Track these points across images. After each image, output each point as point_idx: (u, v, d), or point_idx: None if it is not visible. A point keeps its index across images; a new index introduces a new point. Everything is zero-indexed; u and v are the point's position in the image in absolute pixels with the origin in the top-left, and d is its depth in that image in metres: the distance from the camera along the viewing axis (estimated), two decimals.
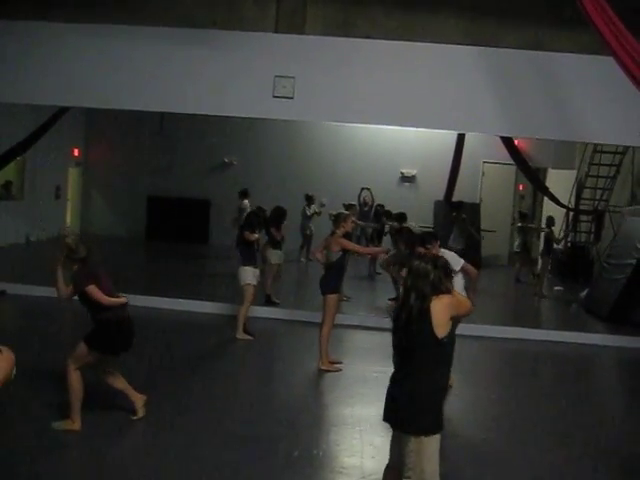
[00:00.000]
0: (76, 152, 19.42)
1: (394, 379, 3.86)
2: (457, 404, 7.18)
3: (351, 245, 8.36)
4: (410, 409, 3.76)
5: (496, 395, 7.55)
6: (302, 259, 15.98)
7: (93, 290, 5.54)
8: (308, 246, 15.81)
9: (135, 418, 5.83)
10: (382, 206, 15.31)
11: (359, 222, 13.83)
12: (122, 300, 5.74)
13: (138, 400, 5.90)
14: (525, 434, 6.30)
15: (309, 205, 16.24)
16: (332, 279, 7.84)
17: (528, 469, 5.47)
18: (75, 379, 5.58)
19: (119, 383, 5.90)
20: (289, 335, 9.74)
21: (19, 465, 4.85)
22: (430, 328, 3.69)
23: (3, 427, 5.50)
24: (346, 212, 8.78)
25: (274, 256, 10.80)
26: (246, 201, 14.83)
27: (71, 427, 5.54)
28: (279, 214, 10.94)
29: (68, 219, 19.43)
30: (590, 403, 7.59)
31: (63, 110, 12.40)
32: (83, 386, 5.61)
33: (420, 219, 17.56)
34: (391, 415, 3.81)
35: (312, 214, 16.09)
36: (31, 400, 6.12)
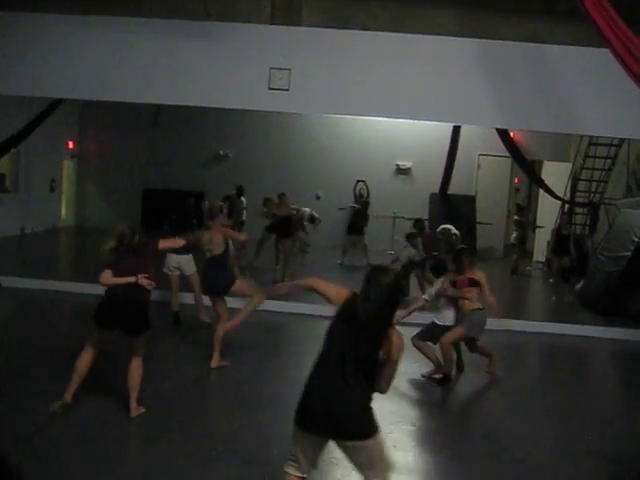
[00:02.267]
0: (71, 144, 19.36)
1: None
2: (451, 397, 7.22)
3: (234, 234, 8.43)
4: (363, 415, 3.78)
5: (491, 388, 7.57)
6: None
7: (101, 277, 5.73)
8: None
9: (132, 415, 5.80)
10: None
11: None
12: (120, 280, 5.68)
13: (134, 409, 5.81)
14: (517, 427, 6.32)
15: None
16: (225, 274, 7.60)
17: (520, 462, 5.49)
18: (82, 358, 5.72)
19: (132, 378, 5.82)
20: (281, 328, 9.74)
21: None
22: None
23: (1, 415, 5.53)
24: (221, 203, 8.52)
25: None
26: (242, 198, 14.88)
27: (63, 402, 5.69)
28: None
29: (63, 212, 19.39)
30: (585, 395, 7.61)
31: (57, 102, 12.35)
32: (86, 369, 5.74)
33: (415, 211, 17.60)
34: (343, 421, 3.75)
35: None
36: (27, 390, 6.17)
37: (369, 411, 3.72)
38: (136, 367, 5.82)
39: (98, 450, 5.09)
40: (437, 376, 7.42)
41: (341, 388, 3.62)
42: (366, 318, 3.61)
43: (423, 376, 7.44)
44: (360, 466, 3.77)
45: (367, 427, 3.69)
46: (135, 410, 5.80)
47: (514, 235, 15.74)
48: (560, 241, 13.61)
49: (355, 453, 3.72)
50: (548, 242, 16.60)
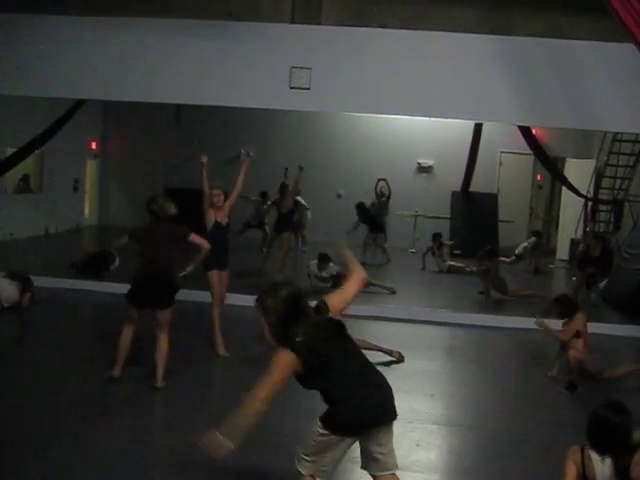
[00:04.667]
0: (94, 145, 19.52)
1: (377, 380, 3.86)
2: (475, 395, 7.18)
3: None
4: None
5: (517, 387, 7.54)
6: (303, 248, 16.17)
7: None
8: (302, 238, 16.28)
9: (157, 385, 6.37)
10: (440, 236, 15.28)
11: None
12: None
13: (160, 379, 6.38)
14: (543, 428, 6.27)
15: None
16: None
17: (544, 462, 5.45)
18: (123, 334, 6.39)
19: (160, 351, 6.38)
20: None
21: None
22: None
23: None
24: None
25: None
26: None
27: (111, 374, 6.36)
28: None
29: (86, 212, 19.55)
30: (605, 394, 7.54)
31: (80, 103, 12.45)
32: (128, 346, 6.42)
33: (437, 210, 17.56)
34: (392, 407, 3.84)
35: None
36: (54, 382, 6.38)
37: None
38: (164, 342, 6.39)
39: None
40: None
41: (379, 380, 3.79)
42: None
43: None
44: (383, 452, 3.82)
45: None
46: (161, 381, 6.36)
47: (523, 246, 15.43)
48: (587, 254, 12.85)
49: (387, 435, 3.81)
50: (572, 240, 16.46)
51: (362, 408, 3.72)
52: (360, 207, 15.47)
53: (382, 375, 3.85)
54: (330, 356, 3.70)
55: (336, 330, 3.81)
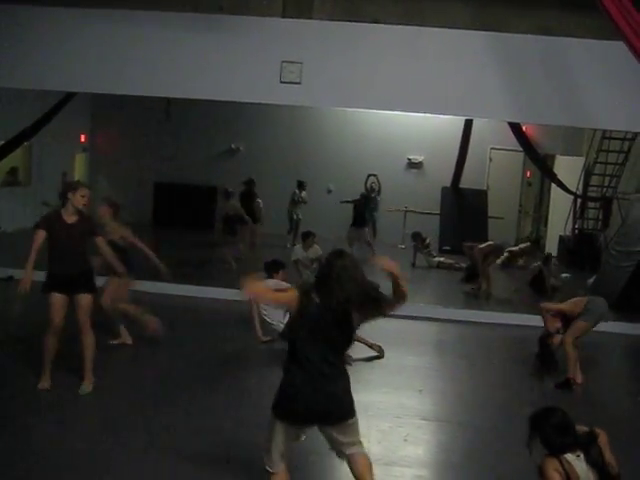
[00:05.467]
0: (83, 138, 19.39)
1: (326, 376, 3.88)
2: (463, 390, 7.20)
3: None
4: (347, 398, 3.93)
5: (505, 382, 7.56)
6: (288, 245, 15.53)
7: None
8: (296, 231, 15.85)
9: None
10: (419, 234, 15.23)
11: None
12: None
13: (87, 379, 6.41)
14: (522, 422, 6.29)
15: (300, 191, 16.31)
16: None
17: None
18: (90, 341, 6.38)
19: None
20: None
21: None
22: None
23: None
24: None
25: None
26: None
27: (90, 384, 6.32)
28: None
29: None
30: (596, 391, 7.59)
31: (70, 96, 12.38)
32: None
33: (427, 206, 17.58)
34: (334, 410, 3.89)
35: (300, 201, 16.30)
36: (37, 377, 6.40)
37: (350, 392, 3.92)
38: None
39: None
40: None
41: (324, 385, 3.81)
42: (339, 306, 3.79)
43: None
44: (339, 443, 3.97)
45: (351, 408, 3.92)
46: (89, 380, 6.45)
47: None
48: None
49: (340, 432, 3.93)
50: (560, 237, 16.54)
51: (298, 396, 3.79)
52: (363, 197, 15.66)
53: (336, 387, 3.88)
54: (309, 321, 3.80)
55: (342, 312, 3.81)
